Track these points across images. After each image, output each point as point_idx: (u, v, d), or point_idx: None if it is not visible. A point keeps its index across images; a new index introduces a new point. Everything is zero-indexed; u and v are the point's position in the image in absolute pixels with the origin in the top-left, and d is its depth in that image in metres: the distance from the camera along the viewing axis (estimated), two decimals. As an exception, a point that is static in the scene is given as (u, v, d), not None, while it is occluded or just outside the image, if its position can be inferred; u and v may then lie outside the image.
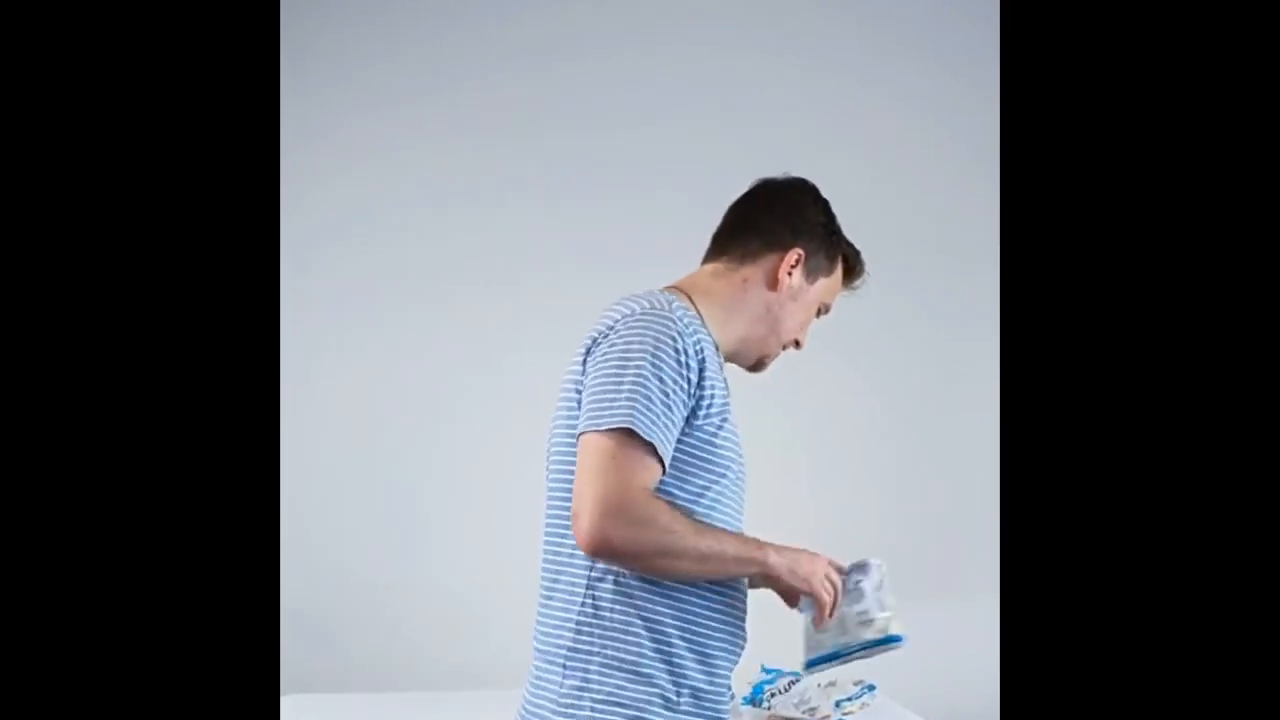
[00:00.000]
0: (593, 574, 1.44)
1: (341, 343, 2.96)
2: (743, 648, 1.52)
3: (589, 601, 1.43)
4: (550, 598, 1.47)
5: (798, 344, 1.67)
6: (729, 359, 1.59)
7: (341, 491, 2.94)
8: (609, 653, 1.41)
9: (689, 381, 1.43)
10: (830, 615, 1.48)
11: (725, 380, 1.52)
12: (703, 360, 1.45)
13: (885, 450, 3.02)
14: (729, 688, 1.51)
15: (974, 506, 2.60)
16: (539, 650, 1.48)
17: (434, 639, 2.87)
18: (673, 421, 1.41)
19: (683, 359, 1.43)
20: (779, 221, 1.62)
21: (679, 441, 1.43)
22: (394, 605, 2.91)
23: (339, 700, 2.47)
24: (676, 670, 1.43)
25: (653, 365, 1.41)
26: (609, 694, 1.40)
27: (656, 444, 1.39)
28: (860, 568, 1.54)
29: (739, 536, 1.47)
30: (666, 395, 1.41)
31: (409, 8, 3.02)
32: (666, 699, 1.42)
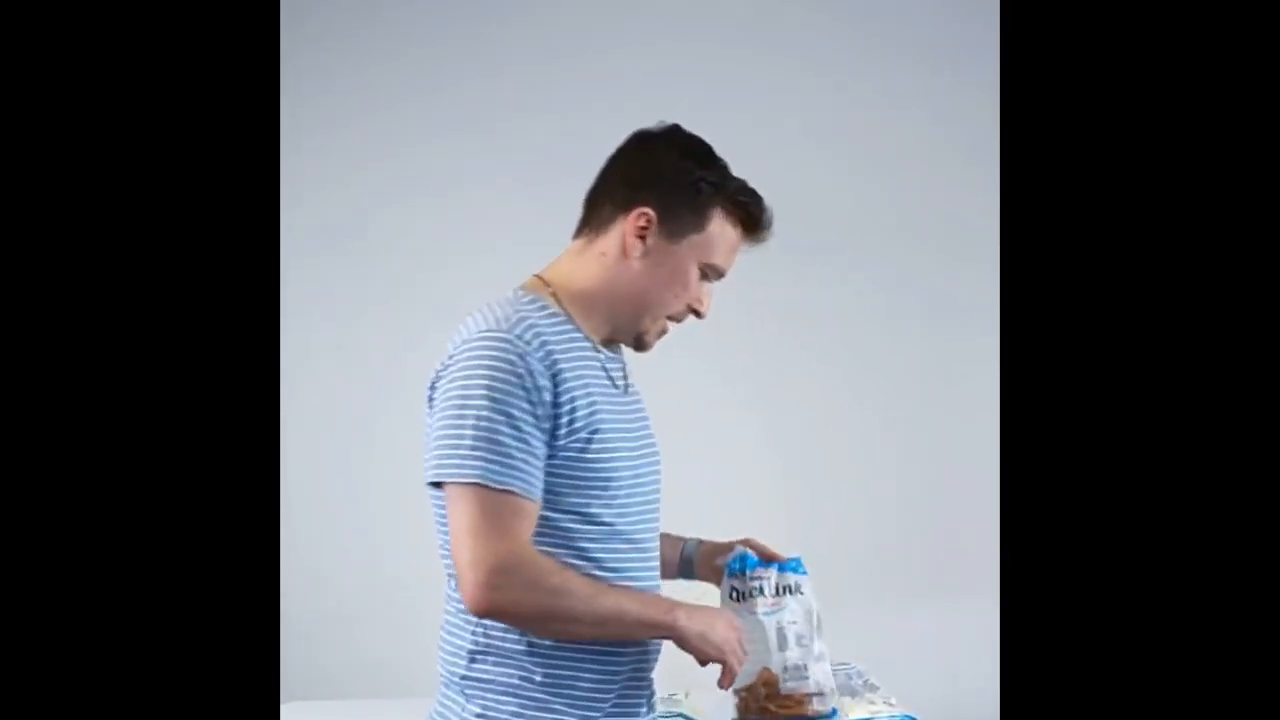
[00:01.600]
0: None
1: (343, 344, 2.96)
2: (645, 654, 1.44)
3: (480, 629, 1.38)
4: (447, 623, 1.43)
5: (697, 313, 1.48)
6: (610, 342, 1.48)
7: (343, 495, 2.93)
8: (503, 680, 1.37)
9: (541, 404, 1.33)
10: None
11: (608, 372, 1.44)
12: (557, 374, 1.35)
13: (884, 451, 3.02)
14: (650, 696, 1.46)
15: (974, 507, 2.59)
16: (441, 675, 1.43)
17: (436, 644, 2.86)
18: (531, 452, 1.33)
19: (528, 383, 1.32)
20: (624, 179, 1.44)
21: (546, 462, 1.36)
22: (397, 610, 2.90)
23: (340, 707, 2.46)
24: (565, 695, 1.37)
25: (493, 402, 1.32)
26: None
27: (516, 489, 1.31)
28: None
29: (645, 597, 1.39)
30: (518, 430, 1.32)
31: (407, 13, 3.02)
32: None
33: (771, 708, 1.46)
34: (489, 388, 1.33)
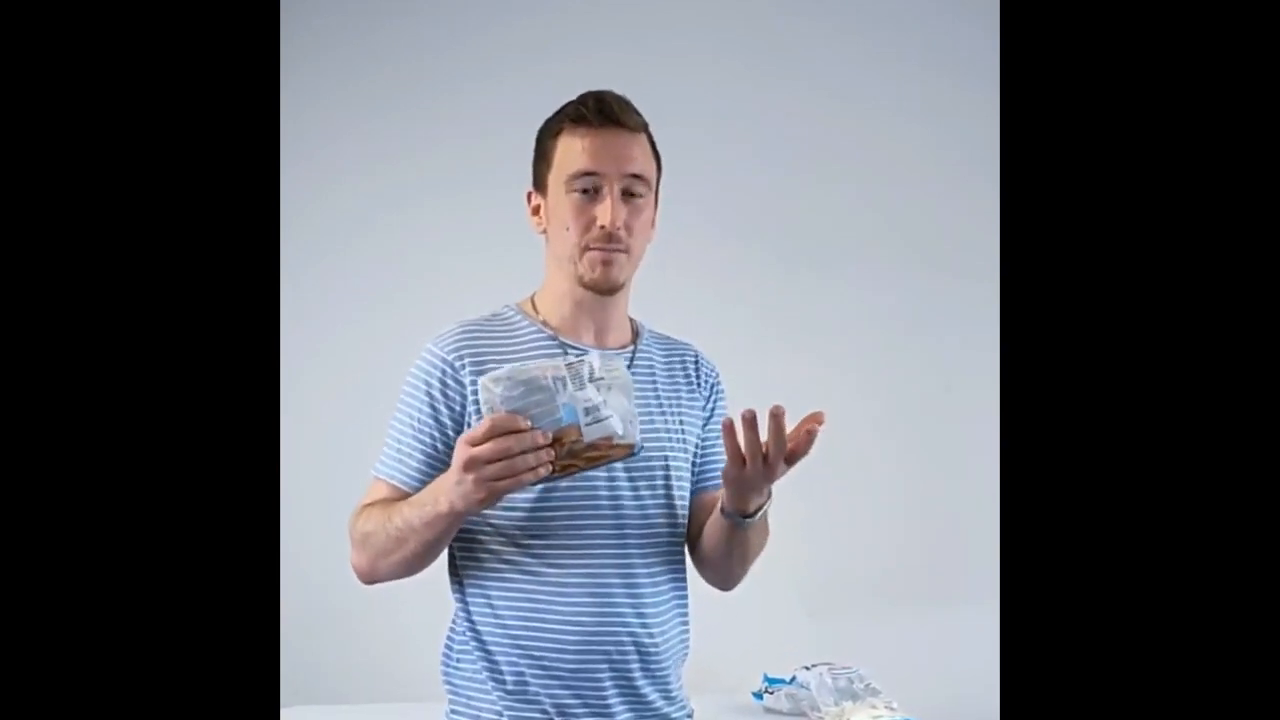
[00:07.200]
0: (453, 591, 1.54)
1: (343, 348, 2.96)
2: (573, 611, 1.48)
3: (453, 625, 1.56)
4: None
5: (610, 237, 1.47)
6: (585, 302, 1.53)
7: (344, 498, 2.93)
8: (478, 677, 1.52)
9: (448, 402, 1.47)
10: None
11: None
12: (480, 370, 1.45)
13: (886, 458, 3.02)
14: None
15: (975, 513, 2.60)
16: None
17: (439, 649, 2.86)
18: (421, 443, 1.48)
19: (434, 390, 1.48)
20: None
21: None
22: (398, 614, 2.90)
23: (341, 711, 2.46)
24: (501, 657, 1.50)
25: (406, 407, 1.50)
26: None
27: (385, 477, 1.50)
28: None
29: (418, 499, 1.40)
30: (413, 427, 1.49)
31: (406, 19, 3.03)
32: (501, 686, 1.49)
33: (575, 462, 1.31)
34: (403, 399, 1.51)
